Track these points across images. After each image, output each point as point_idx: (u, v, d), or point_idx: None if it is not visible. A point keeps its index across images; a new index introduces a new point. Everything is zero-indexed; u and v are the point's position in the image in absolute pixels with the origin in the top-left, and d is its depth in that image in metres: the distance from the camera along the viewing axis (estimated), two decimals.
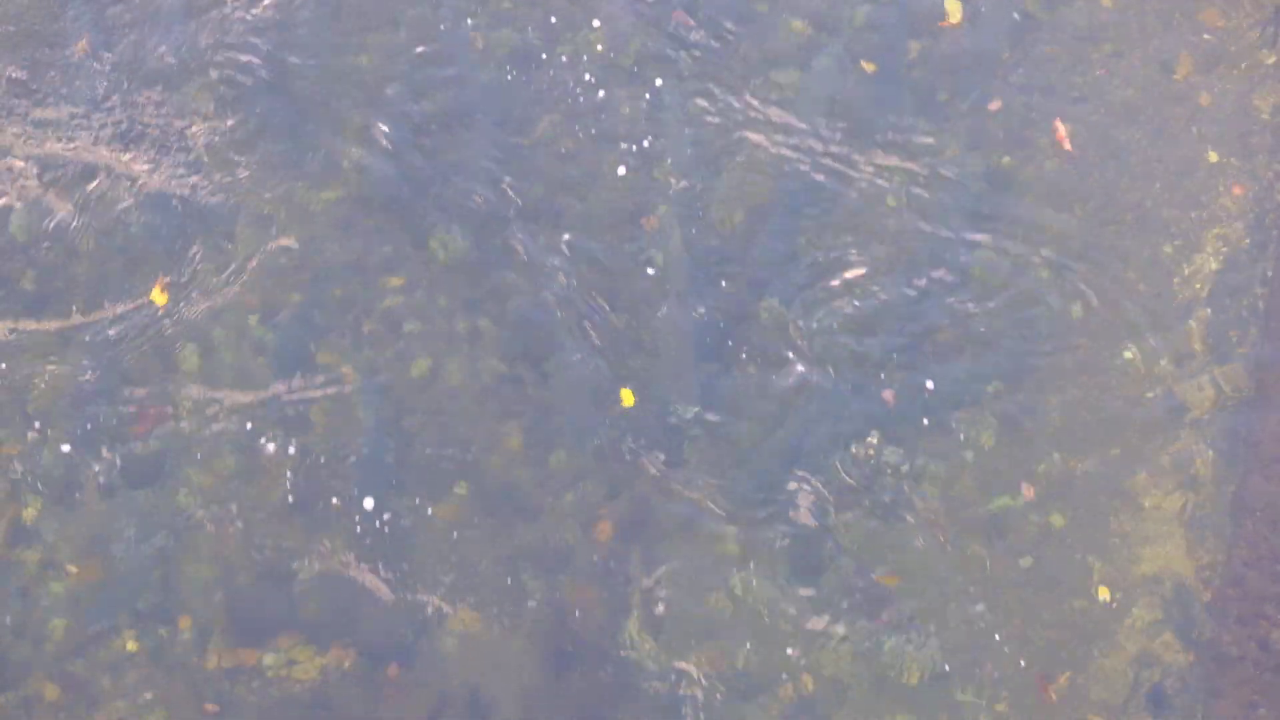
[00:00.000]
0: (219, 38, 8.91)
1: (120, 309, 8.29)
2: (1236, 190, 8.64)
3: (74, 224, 8.45)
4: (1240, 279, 8.42)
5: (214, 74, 8.82)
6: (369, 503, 7.89)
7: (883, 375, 8.19)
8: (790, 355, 8.20)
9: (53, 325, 8.28)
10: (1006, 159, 8.74)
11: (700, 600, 7.77)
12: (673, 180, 8.62)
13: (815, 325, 8.26)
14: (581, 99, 8.84)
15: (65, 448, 7.96)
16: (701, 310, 8.31)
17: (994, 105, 8.87)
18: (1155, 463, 8.01)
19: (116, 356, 8.17)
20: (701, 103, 8.84)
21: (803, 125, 8.76)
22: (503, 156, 8.66)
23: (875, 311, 8.32)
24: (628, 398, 8.11)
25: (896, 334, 8.29)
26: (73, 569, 7.74)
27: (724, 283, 8.36)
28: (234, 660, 7.60)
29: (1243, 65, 8.94)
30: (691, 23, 8.91)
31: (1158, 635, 7.67)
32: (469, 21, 9.04)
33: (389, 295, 8.37)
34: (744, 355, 8.22)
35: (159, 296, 8.24)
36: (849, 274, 8.40)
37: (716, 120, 8.79)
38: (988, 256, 8.48)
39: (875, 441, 8.05)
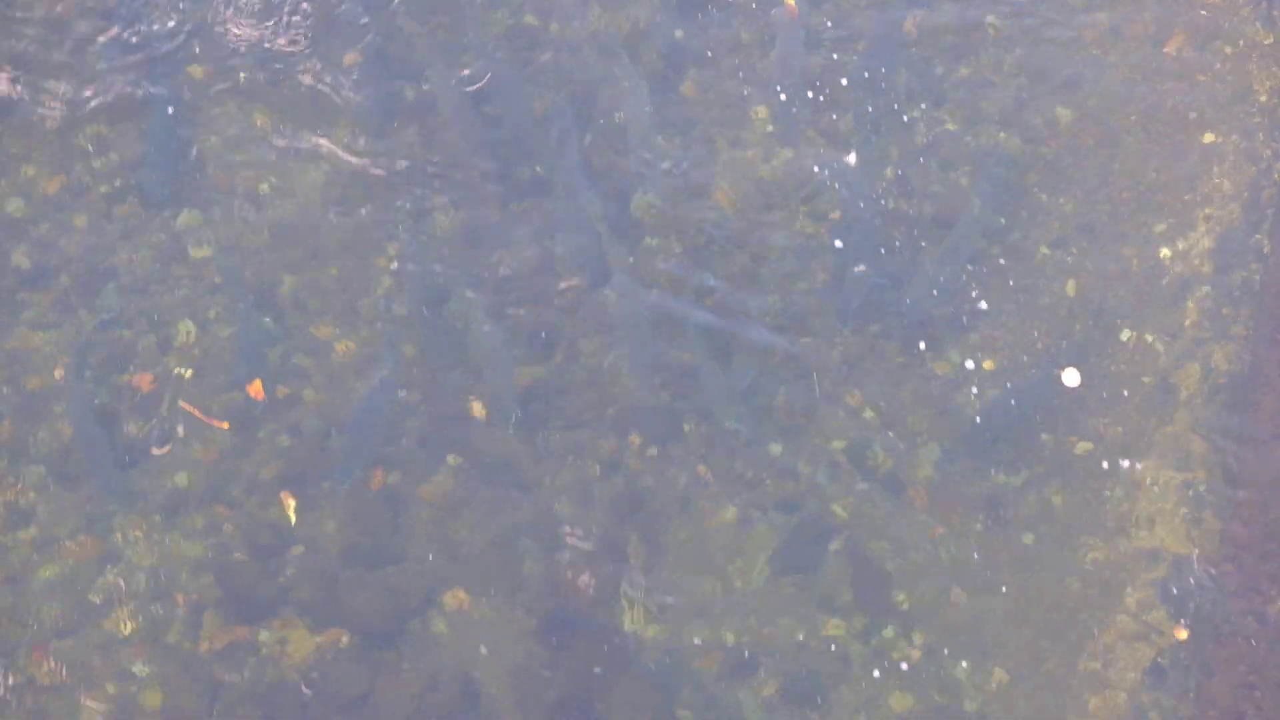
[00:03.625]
0: None
1: None
2: (1231, 170, 8.64)
3: None
4: (1235, 258, 8.42)
5: None
6: (362, 479, 7.91)
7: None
8: None
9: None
10: (1002, 135, 8.77)
11: (697, 579, 7.76)
12: None
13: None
14: None
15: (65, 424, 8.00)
16: None
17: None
18: (1151, 441, 8.01)
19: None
20: None
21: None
22: None
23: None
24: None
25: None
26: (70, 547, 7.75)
27: None
28: (227, 639, 7.58)
29: (1239, 43, 8.93)
30: None
31: (1154, 611, 7.66)
32: None
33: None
34: None
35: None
36: None
37: None
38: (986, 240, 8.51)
39: (872, 415, 8.07)
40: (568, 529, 7.82)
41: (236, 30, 9.03)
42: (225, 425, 7.87)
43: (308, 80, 8.93)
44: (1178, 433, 8.02)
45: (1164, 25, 9.00)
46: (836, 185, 8.63)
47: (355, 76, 8.92)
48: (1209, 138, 8.73)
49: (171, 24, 9.02)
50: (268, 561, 7.74)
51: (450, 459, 7.96)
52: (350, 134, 8.78)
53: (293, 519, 7.80)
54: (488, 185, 8.65)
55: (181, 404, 7.94)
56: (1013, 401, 8.09)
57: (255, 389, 7.87)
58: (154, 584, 7.67)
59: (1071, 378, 7.74)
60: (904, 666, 7.59)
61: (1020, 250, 8.47)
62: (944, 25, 9.11)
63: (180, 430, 7.98)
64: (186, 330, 8.25)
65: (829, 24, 9.10)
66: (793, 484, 7.93)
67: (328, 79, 8.91)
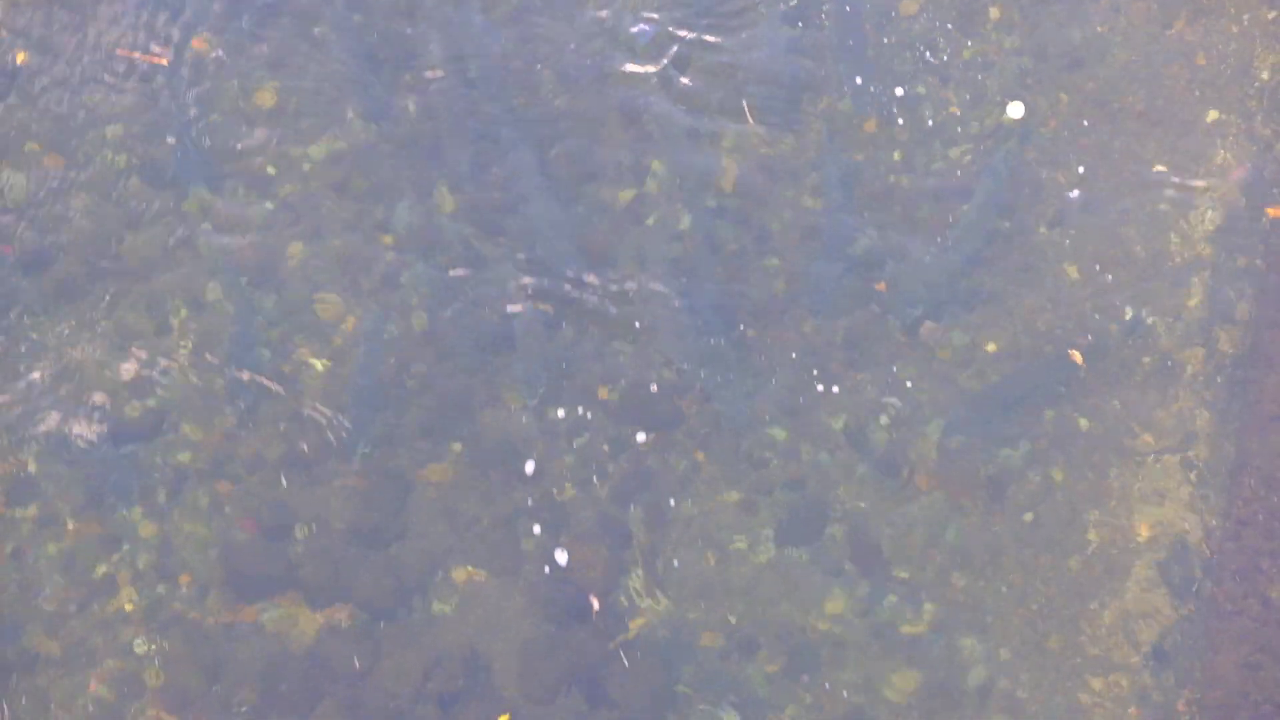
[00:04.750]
0: None
1: None
2: (1234, 149, 8.63)
3: None
4: (1238, 238, 8.40)
5: None
6: (367, 457, 7.91)
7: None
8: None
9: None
10: (1005, 114, 8.76)
11: (700, 557, 7.77)
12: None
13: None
14: None
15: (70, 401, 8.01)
16: None
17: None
18: (1154, 420, 8.01)
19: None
20: None
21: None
22: None
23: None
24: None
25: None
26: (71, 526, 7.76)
27: None
28: (232, 617, 7.59)
29: (1244, 20, 8.91)
30: None
31: (1157, 591, 7.67)
32: None
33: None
34: None
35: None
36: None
37: None
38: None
39: (874, 395, 8.08)
40: (574, 507, 7.85)
41: None
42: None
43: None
44: (1180, 411, 8.02)
45: (1169, 4, 8.98)
46: (835, 165, 8.65)
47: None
48: (1212, 116, 8.71)
49: None
50: (272, 540, 7.74)
51: (457, 440, 7.97)
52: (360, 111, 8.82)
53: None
54: (488, 166, 8.66)
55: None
56: (1015, 381, 8.10)
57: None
58: (157, 562, 7.68)
59: None
60: (906, 645, 7.61)
61: (1022, 229, 8.46)
62: (947, 3, 9.10)
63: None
64: (188, 308, 8.27)
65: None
66: (795, 463, 7.93)
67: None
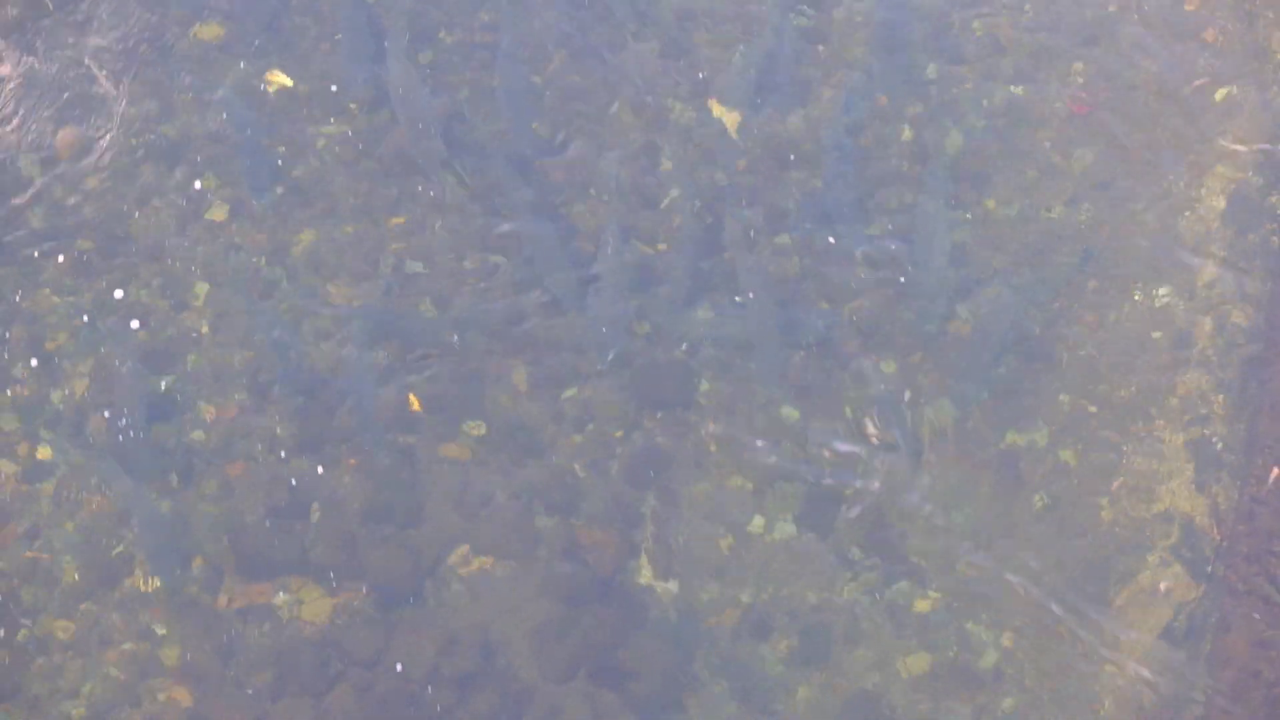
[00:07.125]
0: None
1: None
2: (1246, 126, 8.63)
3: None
4: (1250, 215, 8.41)
5: None
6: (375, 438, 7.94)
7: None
8: None
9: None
10: (1019, 89, 8.76)
11: (712, 539, 7.78)
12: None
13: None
14: None
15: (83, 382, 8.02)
16: None
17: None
18: (1166, 400, 8.02)
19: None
20: None
21: None
22: None
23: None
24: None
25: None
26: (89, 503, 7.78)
27: None
28: (245, 599, 7.62)
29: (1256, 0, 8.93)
30: None
31: (1168, 571, 7.68)
32: None
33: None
34: None
35: None
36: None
37: None
38: (997, 198, 8.50)
39: (887, 376, 8.09)
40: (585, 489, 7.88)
41: None
42: None
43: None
44: (1192, 392, 8.03)
45: None
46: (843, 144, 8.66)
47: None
48: (1223, 94, 8.71)
49: None
50: (285, 521, 7.76)
51: (470, 424, 7.98)
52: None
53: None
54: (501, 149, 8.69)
55: None
56: (1028, 361, 8.11)
57: None
58: (172, 543, 7.72)
59: None
60: (918, 626, 7.62)
61: (1033, 208, 8.47)
62: None
63: None
64: (201, 291, 8.29)
65: None
66: (808, 445, 7.94)
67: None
